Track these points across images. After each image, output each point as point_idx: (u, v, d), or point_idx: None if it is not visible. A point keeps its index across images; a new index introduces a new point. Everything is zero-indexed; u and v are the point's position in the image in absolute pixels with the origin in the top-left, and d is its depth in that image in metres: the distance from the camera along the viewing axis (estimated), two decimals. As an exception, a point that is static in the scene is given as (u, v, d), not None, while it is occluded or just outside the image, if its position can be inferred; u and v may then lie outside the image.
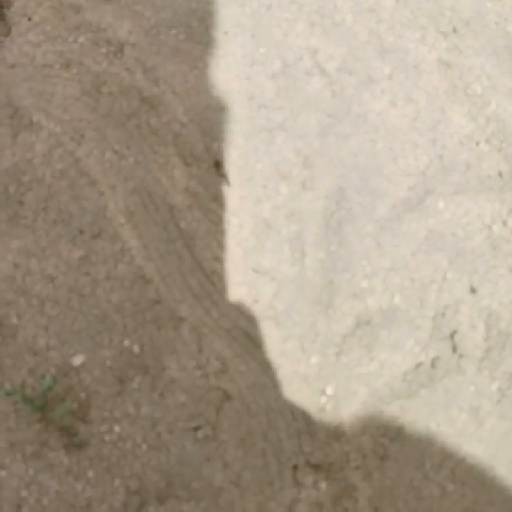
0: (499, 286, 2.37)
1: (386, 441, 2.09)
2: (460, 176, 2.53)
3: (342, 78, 2.47)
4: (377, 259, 2.27)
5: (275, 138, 2.35)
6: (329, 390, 2.13)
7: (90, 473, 1.95)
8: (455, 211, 2.45)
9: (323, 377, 2.14)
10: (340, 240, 2.28)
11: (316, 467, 2.04)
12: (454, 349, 2.22)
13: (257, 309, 2.19)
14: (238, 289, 2.16)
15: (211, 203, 2.25)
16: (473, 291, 2.33)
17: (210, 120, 2.35)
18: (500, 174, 2.58)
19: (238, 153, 2.30)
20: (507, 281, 2.39)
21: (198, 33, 2.47)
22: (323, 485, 2.03)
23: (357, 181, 2.35)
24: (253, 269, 2.20)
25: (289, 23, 2.52)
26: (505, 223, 2.53)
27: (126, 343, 2.07)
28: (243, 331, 2.14)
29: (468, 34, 2.65)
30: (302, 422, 2.09)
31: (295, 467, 2.03)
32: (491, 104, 2.62)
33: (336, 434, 2.09)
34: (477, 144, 2.58)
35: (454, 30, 2.64)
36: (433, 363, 2.20)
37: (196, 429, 2.01)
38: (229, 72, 2.42)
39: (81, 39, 2.42)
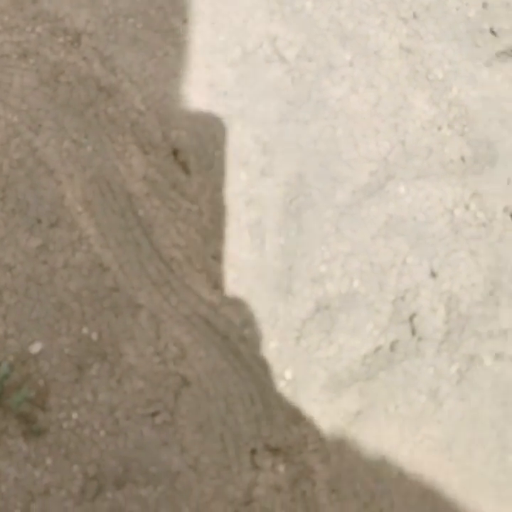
0: (460, 270, 2.39)
1: (344, 424, 2.11)
2: (422, 161, 2.54)
3: (301, 65, 2.48)
4: (336, 244, 2.28)
5: (234, 125, 2.36)
6: (288, 374, 2.14)
7: (48, 460, 1.96)
8: (416, 196, 2.46)
9: (282, 362, 2.16)
10: (300, 225, 2.29)
11: (275, 451, 2.06)
12: (413, 332, 2.24)
13: (216, 296, 2.19)
14: (197, 275, 2.17)
15: (170, 191, 2.26)
16: (433, 275, 2.35)
17: (168, 108, 2.36)
18: (462, 158, 2.60)
19: (197, 141, 2.31)
20: (468, 264, 2.41)
21: (156, 22, 2.48)
22: (281, 468, 2.05)
23: (317, 167, 2.36)
24: (212, 256, 2.21)
25: (248, 10, 2.53)
26: (467, 207, 2.55)
27: (85, 330, 2.08)
28: (202, 318, 2.15)
29: (429, 20, 2.66)
30: (261, 406, 2.10)
31: (253, 451, 2.04)
32: (452, 89, 2.64)
33: (294, 417, 2.10)
34: (439, 128, 2.59)
35: (415, 16, 2.65)
36: (392, 346, 2.21)
37: (154, 414, 2.03)
38: (188, 60, 2.43)
39: (38, 29, 2.42)
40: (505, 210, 2.62)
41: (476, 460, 2.11)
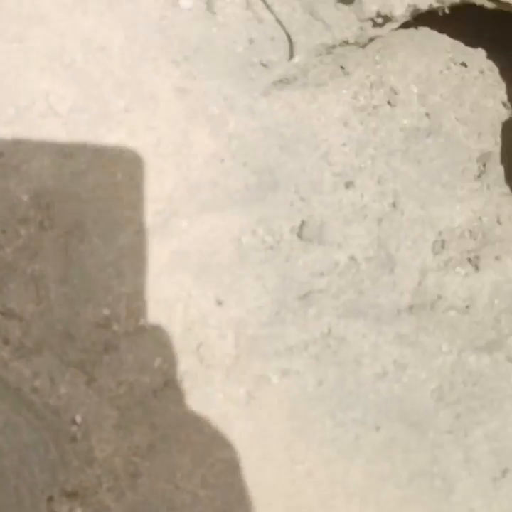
0: (246, 295, 2.53)
1: (137, 460, 2.22)
2: (207, 194, 2.68)
3: (76, 117, 2.58)
4: (119, 287, 2.39)
5: (9, 182, 2.44)
6: (79, 418, 2.23)
7: None
8: (201, 228, 2.60)
9: (72, 407, 2.24)
10: (82, 272, 2.39)
11: (71, 495, 2.15)
12: (201, 361, 2.36)
13: (5, 351, 2.27)
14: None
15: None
16: (219, 303, 2.48)
17: None
18: (246, 187, 2.76)
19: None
20: (253, 288, 2.56)
21: None
22: (78, 511, 2.13)
23: (96, 214, 2.47)
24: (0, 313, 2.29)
25: (18, 69, 2.62)
26: (254, 233, 2.70)
27: None
28: (-7, 375, 2.22)
29: (200, 60, 2.81)
30: (56, 453, 2.19)
31: (50, 498, 2.13)
32: (230, 122, 2.78)
33: (87, 459, 2.19)
34: (222, 161, 2.74)
35: (186, 58, 2.79)
36: (181, 378, 2.33)
37: None
38: (-40, 122, 2.51)
39: None
40: (292, 230, 2.78)
41: (266, 474, 2.25)
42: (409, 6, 2.87)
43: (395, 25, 3.01)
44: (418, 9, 2.95)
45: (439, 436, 2.43)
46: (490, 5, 3.06)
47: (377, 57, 3.31)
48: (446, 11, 3.05)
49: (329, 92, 3.15)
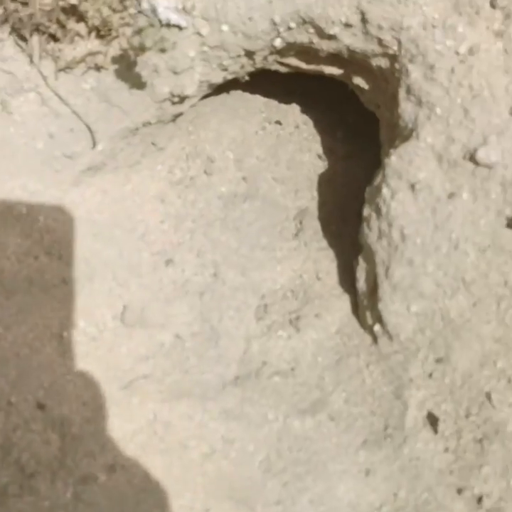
0: (68, 393, 2.55)
1: None
2: (23, 295, 2.69)
3: None
4: None
5: None
6: None
7: None
8: (18, 331, 2.62)
9: None
10: None
11: None
12: (23, 470, 2.36)
13: None
14: None
15: None
16: (40, 406, 2.49)
17: None
18: (63, 280, 2.78)
19: None
20: (76, 385, 2.58)
21: None
22: None
23: None
24: None
25: None
26: (75, 326, 2.74)
27: None
28: None
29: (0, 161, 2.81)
30: None
31: None
32: (39, 218, 2.80)
33: None
34: (36, 258, 2.75)
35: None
36: (4, 491, 2.32)
37: None
38: None
39: None
40: (114, 317, 2.82)
41: None
42: (201, 82, 2.97)
43: (194, 100, 3.09)
44: (212, 84, 3.04)
45: (268, 508, 2.50)
46: (283, 69, 3.20)
47: (190, 128, 3.41)
48: (246, 78, 3.14)
49: (143, 170, 3.22)
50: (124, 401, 2.60)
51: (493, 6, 2.60)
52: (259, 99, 3.69)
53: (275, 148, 3.57)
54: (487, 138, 2.56)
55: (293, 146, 3.62)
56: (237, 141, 3.52)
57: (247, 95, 3.66)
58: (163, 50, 2.68)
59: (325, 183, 3.51)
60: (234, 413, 2.66)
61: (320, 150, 3.64)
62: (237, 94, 3.63)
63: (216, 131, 3.48)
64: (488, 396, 2.57)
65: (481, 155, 2.54)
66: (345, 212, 3.29)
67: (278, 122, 3.65)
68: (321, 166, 3.60)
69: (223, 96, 3.56)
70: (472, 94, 2.60)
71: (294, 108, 3.75)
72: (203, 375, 2.76)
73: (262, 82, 3.42)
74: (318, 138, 3.70)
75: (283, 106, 3.73)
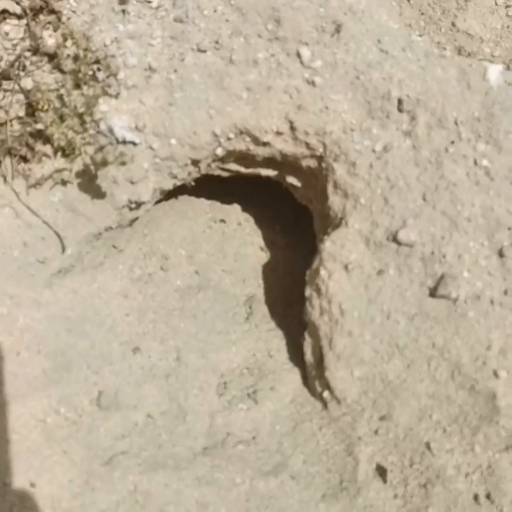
0: (56, 472, 2.87)
1: None
2: (9, 386, 3.02)
3: None
4: None
5: None
6: None
7: None
8: (7, 420, 2.92)
9: None
10: None
11: None
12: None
13: None
14: None
15: None
16: (32, 485, 2.81)
17: None
18: (44, 372, 3.11)
19: None
20: (62, 464, 2.91)
21: None
22: None
23: None
24: None
25: None
26: (57, 412, 3.06)
27: None
28: None
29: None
30: None
31: None
32: (19, 318, 3.16)
33: None
34: (18, 354, 3.10)
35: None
36: None
37: None
38: None
39: None
40: (91, 402, 3.17)
41: None
42: (155, 189, 3.43)
43: (149, 205, 3.55)
44: (164, 190, 3.51)
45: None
46: (225, 174, 3.70)
47: (145, 231, 3.85)
48: (192, 183, 3.63)
49: (107, 270, 3.63)
50: (106, 475, 2.91)
51: (400, 110, 3.17)
52: (204, 202, 4.16)
53: (222, 243, 4.03)
54: (406, 221, 3.08)
55: (237, 241, 4.08)
56: (188, 240, 3.96)
57: (193, 199, 4.13)
58: (123, 164, 3.15)
59: (269, 271, 3.97)
60: (205, 479, 3.00)
61: (262, 242, 4.10)
62: (184, 199, 4.09)
63: (168, 231, 3.92)
64: (428, 445, 2.98)
65: (401, 236, 3.06)
66: (289, 295, 3.75)
67: (222, 221, 4.11)
68: (264, 256, 4.06)
69: (172, 201, 4.03)
70: (390, 185, 3.14)
71: (236, 207, 4.22)
72: (174, 448, 3.09)
73: (206, 186, 3.90)
74: (259, 232, 4.16)
75: (226, 206, 4.20)
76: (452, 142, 3.07)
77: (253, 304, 3.64)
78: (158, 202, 3.69)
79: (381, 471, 2.91)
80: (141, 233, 3.73)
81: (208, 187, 3.88)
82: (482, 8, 3.82)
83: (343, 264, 3.06)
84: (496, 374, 2.85)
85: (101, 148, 3.01)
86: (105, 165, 3.05)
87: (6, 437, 2.83)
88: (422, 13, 3.77)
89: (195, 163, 3.31)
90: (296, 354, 3.42)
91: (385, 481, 2.88)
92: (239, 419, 3.21)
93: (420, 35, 3.46)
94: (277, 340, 3.55)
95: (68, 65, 3.07)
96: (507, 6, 3.78)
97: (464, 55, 3.62)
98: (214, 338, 3.49)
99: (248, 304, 3.65)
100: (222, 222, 4.00)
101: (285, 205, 3.87)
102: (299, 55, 3.24)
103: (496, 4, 3.81)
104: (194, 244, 3.86)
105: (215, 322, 3.55)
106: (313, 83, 3.21)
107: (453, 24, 3.77)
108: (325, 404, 3.17)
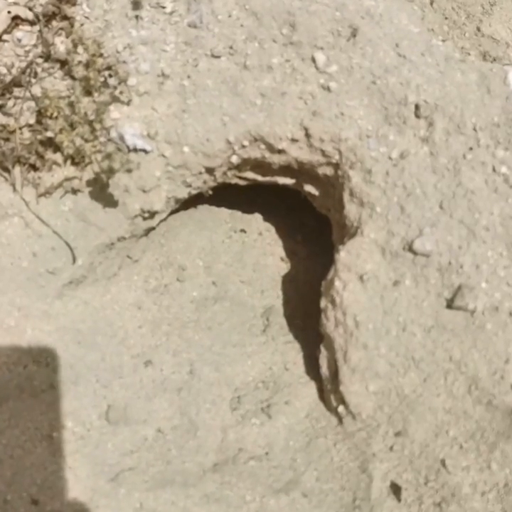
0: (59, 489, 2.81)
1: None
2: (12, 400, 2.96)
3: None
4: None
5: None
6: None
7: None
8: (12, 433, 2.86)
9: None
10: None
11: None
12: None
13: None
14: None
15: None
16: (34, 502, 2.74)
17: None
18: (51, 386, 3.05)
19: None
20: (66, 482, 2.84)
21: None
22: None
23: None
24: None
25: None
26: (64, 427, 3.01)
27: None
28: None
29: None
30: None
31: None
32: (27, 330, 3.11)
33: None
34: (25, 367, 3.05)
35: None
36: None
37: None
38: None
39: None
40: (100, 416, 3.10)
41: None
42: (168, 198, 3.35)
43: (164, 214, 3.47)
44: (179, 199, 3.43)
45: None
46: (242, 182, 3.60)
47: (162, 241, 3.77)
48: (210, 192, 3.54)
49: (121, 281, 3.56)
50: (112, 492, 2.83)
51: (417, 116, 3.04)
52: (224, 211, 4.06)
53: (241, 254, 3.93)
54: (422, 230, 2.94)
55: (257, 251, 3.97)
56: (206, 250, 3.87)
57: (214, 208, 4.04)
58: (129, 171, 3.07)
59: (288, 282, 3.86)
60: (214, 497, 2.90)
61: (283, 253, 3.99)
62: (204, 208, 4.00)
63: (186, 242, 3.83)
64: (443, 463, 2.83)
65: (418, 245, 2.92)
66: (308, 307, 3.63)
67: (242, 230, 4.01)
68: (284, 267, 3.95)
69: (191, 210, 3.94)
70: (406, 193, 3.01)
71: (257, 217, 4.12)
72: (184, 465, 3.00)
73: (226, 195, 3.81)
74: (280, 242, 4.05)
75: (246, 215, 4.10)
76: (470, 148, 2.93)
77: (271, 315, 3.53)
78: (175, 211, 3.61)
79: (395, 489, 2.78)
80: (157, 243, 3.65)
81: (229, 196, 3.79)
82: (508, 12, 3.66)
83: (358, 274, 2.94)
84: (514, 389, 2.69)
85: (108, 155, 2.93)
86: (112, 172, 2.97)
87: (8, 453, 2.76)
88: (446, 18, 3.63)
89: (210, 171, 3.23)
90: (313, 367, 3.30)
91: (399, 499, 2.75)
92: (252, 434, 3.11)
93: (443, 40, 3.31)
94: (294, 353, 3.44)
95: (79, 71, 3.00)
96: (534, 10, 3.62)
97: (488, 60, 3.47)
98: (229, 351, 3.39)
99: (265, 316, 3.54)
100: (242, 232, 3.91)
101: (308, 215, 3.76)
102: (314, 59, 3.13)
103: (523, 8, 3.65)
104: (212, 254, 3.77)
105: (231, 334, 3.45)
106: (328, 88, 3.10)
107: (478, 29, 3.62)
108: (340, 420, 3.05)
